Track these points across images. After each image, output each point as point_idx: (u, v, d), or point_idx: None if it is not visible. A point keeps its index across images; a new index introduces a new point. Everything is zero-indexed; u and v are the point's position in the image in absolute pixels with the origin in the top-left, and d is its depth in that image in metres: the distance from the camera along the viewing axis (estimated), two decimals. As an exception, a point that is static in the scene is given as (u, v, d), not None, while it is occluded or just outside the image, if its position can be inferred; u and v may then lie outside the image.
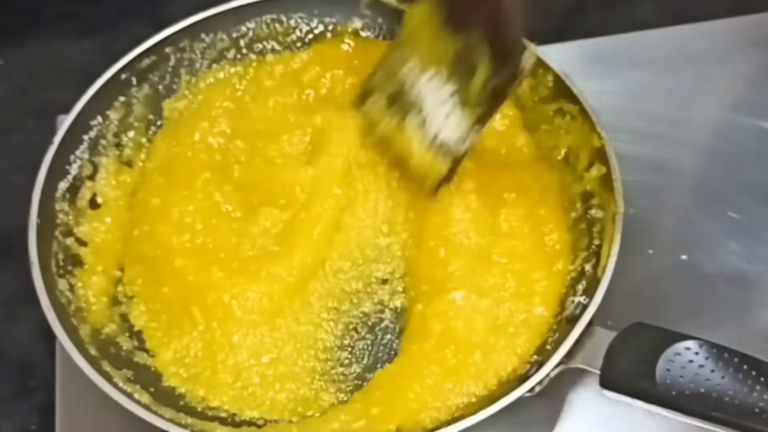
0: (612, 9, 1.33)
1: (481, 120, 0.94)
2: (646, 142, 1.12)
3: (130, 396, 0.81)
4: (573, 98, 0.97)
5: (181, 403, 0.87)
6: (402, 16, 1.01)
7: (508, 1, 0.87)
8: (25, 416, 0.97)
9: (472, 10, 0.89)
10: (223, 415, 0.87)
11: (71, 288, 0.91)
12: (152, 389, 0.86)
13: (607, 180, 0.91)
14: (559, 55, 1.01)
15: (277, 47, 1.10)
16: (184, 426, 0.81)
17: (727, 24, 1.25)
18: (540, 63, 0.99)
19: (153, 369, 0.89)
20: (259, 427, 0.86)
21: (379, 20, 1.09)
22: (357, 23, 1.10)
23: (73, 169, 0.97)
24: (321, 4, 1.09)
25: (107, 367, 0.85)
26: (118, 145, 1.01)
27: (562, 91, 0.99)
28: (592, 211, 0.93)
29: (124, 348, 0.90)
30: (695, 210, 1.08)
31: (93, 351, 0.86)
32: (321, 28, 1.10)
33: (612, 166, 0.91)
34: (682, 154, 1.13)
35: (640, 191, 1.04)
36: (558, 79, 0.99)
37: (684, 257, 1.04)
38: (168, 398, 0.86)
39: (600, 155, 0.93)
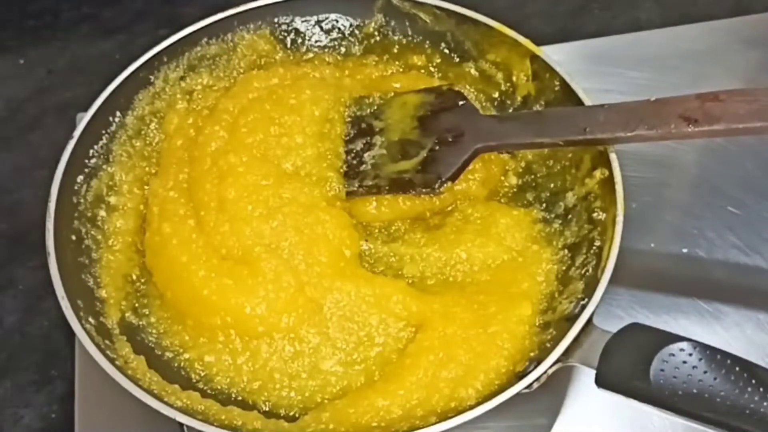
0: (613, 10, 1.34)
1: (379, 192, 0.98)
2: (648, 139, 1.13)
3: (140, 386, 0.82)
4: (578, 102, 0.97)
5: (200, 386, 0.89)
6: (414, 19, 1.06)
7: (467, 155, 0.95)
8: (45, 405, 1.00)
9: (439, 124, 0.98)
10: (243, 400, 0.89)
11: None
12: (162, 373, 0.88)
13: (609, 183, 0.92)
14: (561, 56, 1.02)
15: (294, 49, 1.12)
16: (200, 414, 0.82)
17: (725, 24, 1.27)
18: (546, 67, 1.01)
19: (175, 364, 0.91)
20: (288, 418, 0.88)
21: (393, 23, 1.10)
22: (372, 26, 1.11)
23: (92, 164, 0.98)
24: (336, 7, 1.11)
25: (123, 359, 0.86)
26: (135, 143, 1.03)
27: (568, 95, 0.99)
28: (594, 214, 0.93)
29: (146, 340, 0.92)
30: (695, 205, 1.10)
31: (110, 342, 0.87)
32: (336, 31, 1.12)
33: (614, 170, 0.91)
34: (683, 151, 1.15)
35: (641, 186, 1.07)
36: (564, 84, 0.99)
37: (685, 250, 1.06)
38: (182, 381, 0.88)
39: (603, 159, 0.93)
